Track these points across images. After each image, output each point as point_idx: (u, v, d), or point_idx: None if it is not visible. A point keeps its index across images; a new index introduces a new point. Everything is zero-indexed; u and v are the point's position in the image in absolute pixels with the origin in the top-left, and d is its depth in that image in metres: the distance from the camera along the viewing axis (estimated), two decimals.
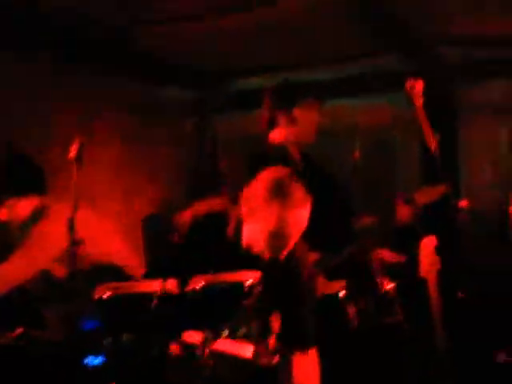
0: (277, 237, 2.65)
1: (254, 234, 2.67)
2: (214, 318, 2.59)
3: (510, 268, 4.65)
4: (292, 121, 3.70)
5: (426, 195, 3.59)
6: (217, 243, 3.14)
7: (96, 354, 2.77)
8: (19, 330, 3.12)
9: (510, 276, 4.72)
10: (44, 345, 3.05)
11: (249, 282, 2.61)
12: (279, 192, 2.73)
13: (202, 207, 3.88)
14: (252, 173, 3.67)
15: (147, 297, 2.61)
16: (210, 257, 3.02)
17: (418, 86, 3.27)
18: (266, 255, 2.67)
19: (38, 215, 3.57)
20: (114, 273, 3.69)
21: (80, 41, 4.77)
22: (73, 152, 3.06)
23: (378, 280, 4.11)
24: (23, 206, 3.58)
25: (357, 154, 4.51)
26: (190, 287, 2.66)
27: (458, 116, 5.74)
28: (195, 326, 2.62)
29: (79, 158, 3.10)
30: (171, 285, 2.68)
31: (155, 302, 2.59)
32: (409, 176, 5.59)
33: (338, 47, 5.33)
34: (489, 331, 4.46)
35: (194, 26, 4.66)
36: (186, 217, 3.87)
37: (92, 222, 3.72)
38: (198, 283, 2.65)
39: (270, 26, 4.70)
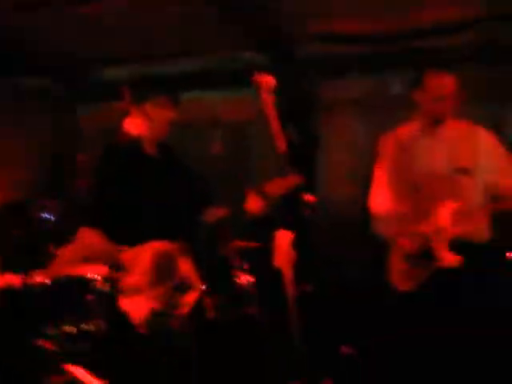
0: (159, 315, 2.70)
1: (135, 307, 2.71)
2: (59, 312, 2.54)
3: (367, 260, 4.79)
4: (145, 116, 3.67)
5: (277, 187, 3.64)
6: None
7: None
8: None
9: (367, 267, 4.86)
10: None
11: (92, 276, 2.58)
12: (166, 270, 2.77)
13: None
14: (107, 164, 3.64)
15: None
16: None
17: (267, 81, 3.28)
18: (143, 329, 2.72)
19: None
20: None
21: None
22: None
23: (235, 272, 4.15)
24: None
25: (217, 146, 4.54)
26: (35, 281, 2.59)
27: (316, 111, 5.86)
28: (41, 320, 2.56)
29: None
30: (12, 279, 2.60)
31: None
32: (269, 170, 5.65)
33: (201, 40, 5.33)
34: (339, 322, 4.60)
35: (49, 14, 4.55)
36: None
37: None
38: (44, 277, 2.58)
39: (130, 16, 4.64)
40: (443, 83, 3.85)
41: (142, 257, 3.11)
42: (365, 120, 5.74)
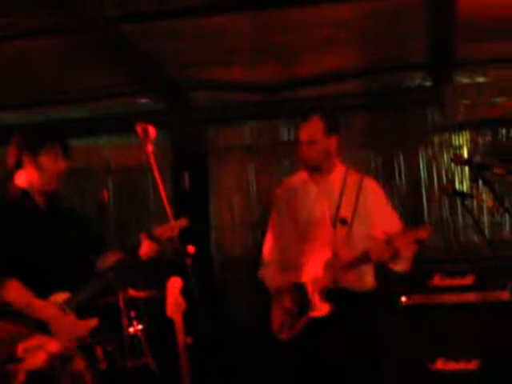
0: None
1: None
2: None
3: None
4: (37, 166, 3.59)
5: (166, 230, 3.65)
6: None
7: None
8: None
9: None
10: None
11: None
12: None
13: None
14: None
15: None
16: None
17: (149, 132, 3.27)
18: None
19: None
20: None
21: None
22: None
23: (125, 320, 4.09)
24: None
25: (105, 193, 4.50)
26: None
27: (208, 156, 5.91)
28: None
29: None
30: None
31: None
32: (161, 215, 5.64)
33: (94, 86, 5.31)
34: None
35: None
36: None
37: None
38: None
39: (22, 61, 4.58)
40: (309, 128, 3.90)
41: None
42: (256, 165, 5.82)
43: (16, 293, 3.37)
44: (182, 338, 3.71)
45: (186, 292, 3.62)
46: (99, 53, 4.58)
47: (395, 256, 3.68)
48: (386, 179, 5.59)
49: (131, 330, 4.17)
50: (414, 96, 5.62)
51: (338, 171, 3.98)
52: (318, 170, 3.95)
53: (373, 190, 3.98)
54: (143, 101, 5.67)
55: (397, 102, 5.65)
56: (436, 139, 5.69)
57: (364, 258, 3.72)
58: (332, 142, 3.93)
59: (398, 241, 3.63)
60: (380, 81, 5.49)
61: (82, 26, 4.15)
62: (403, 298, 4.65)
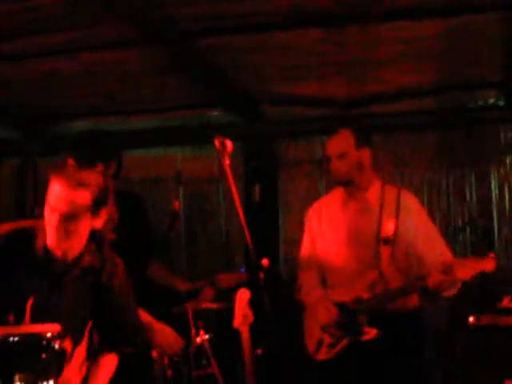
0: None
1: None
2: (9, 370, 2.50)
3: None
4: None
5: (227, 280, 3.71)
6: None
7: None
8: None
9: None
10: None
11: (49, 335, 2.56)
12: None
13: None
14: None
15: None
16: None
17: (226, 145, 3.31)
18: None
19: None
20: None
21: None
22: None
23: (193, 329, 4.15)
24: None
25: (177, 203, 4.56)
26: None
27: (279, 170, 5.95)
28: None
29: None
30: None
31: None
32: (234, 226, 5.73)
33: (168, 97, 5.41)
34: None
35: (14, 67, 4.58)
36: None
37: None
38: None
39: (96, 70, 4.70)
40: (339, 141, 3.83)
41: None
42: (326, 180, 5.82)
43: None
44: (247, 350, 3.74)
45: (254, 304, 3.66)
46: (175, 65, 4.67)
47: (453, 285, 3.59)
48: (456, 198, 5.54)
49: (198, 339, 4.21)
50: (486, 115, 5.56)
51: (376, 187, 3.89)
52: (352, 185, 3.86)
53: (412, 206, 3.88)
54: (216, 113, 5.75)
55: (469, 120, 5.59)
56: (508, 159, 5.62)
57: (419, 284, 3.61)
58: (364, 156, 3.83)
59: (460, 271, 3.48)
60: (453, 99, 5.45)
61: (160, 39, 4.25)
62: (471, 319, 4.58)
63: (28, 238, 2.89)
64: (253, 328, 3.68)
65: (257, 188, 5.42)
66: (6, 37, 4.11)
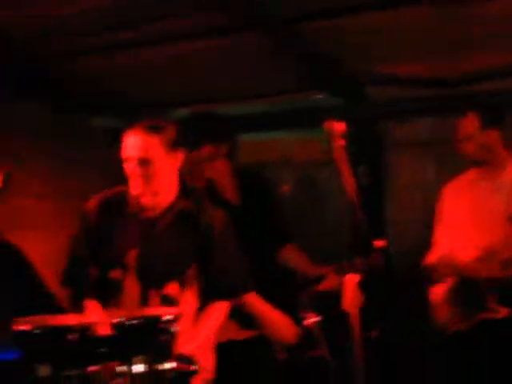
0: None
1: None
2: (128, 352, 2.60)
3: None
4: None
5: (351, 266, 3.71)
6: None
7: None
8: None
9: None
10: None
11: (167, 318, 2.64)
12: None
13: None
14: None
15: (65, 330, 2.59)
16: None
17: (338, 128, 3.31)
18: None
19: None
20: (41, 301, 3.66)
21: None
22: None
23: (303, 312, 4.17)
24: None
25: (286, 186, 4.60)
26: (110, 321, 2.66)
27: (385, 153, 5.89)
28: (112, 359, 2.62)
29: (5, 186, 3.08)
30: (92, 318, 2.68)
31: (74, 335, 2.58)
32: (337, 212, 5.70)
33: (272, 81, 5.43)
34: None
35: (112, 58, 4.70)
36: None
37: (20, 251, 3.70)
38: (118, 317, 2.65)
39: (199, 57, 4.76)
40: (465, 124, 3.88)
41: None
42: (433, 161, 5.73)
43: None
44: (357, 333, 3.74)
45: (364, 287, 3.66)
46: (279, 50, 4.68)
47: None
48: None
49: (308, 321, 4.22)
50: None
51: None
52: (484, 165, 3.89)
53: None
54: (321, 96, 5.73)
55: None
56: None
57: None
58: (491, 137, 3.86)
59: None
60: None
61: (263, 24, 4.28)
62: None
63: (123, 198, 3.18)
64: (364, 311, 3.68)
65: (362, 170, 5.37)
66: (97, 32, 4.23)
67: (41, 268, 3.95)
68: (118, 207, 3.20)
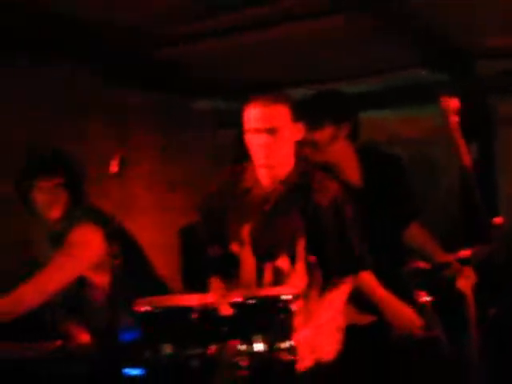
0: None
1: None
2: (250, 332, 2.61)
3: None
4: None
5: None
6: None
7: (135, 366, 2.81)
8: (56, 343, 3.16)
9: None
10: (82, 358, 3.07)
11: (286, 297, 2.63)
12: None
13: None
14: None
15: (187, 310, 2.63)
16: None
17: (452, 104, 3.23)
18: None
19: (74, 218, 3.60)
20: (153, 284, 3.73)
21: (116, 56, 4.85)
22: (114, 166, 3.08)
23: (415, 292, 4.10)
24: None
25: None
26: (230, 301, 2.68)
27: (494, 128, 5.73)
28: (233, 339, 2.64)
29: (120, 171, 3.13)
30: (211, 298, 2.70)
31: (195, 315, 2.62)
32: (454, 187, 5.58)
33: (377, 59, 5.36)
34: None
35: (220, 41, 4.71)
36: None
37: (129, 234, 3.77)
38: (237, 297, 2.67)
39: (308, 38, 4.74)
40: None
41: None
42: None
43: None
44: (472, 312, 3.67)
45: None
46: (383, 27, 4.61)
47: None
48: None
49: (422, 301, 4.16)
50: None
51: None
52: None
53: None
54: (425, 72, 5.62)
55: None
56: None
57: None
58: None
59: None
60: None
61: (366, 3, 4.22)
62: None
63: (238, 174, 3.25)
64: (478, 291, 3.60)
65: (474, 147, 5.24)
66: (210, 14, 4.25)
67: (150, 252, 4.02)
68: (234, 185, 3.25)
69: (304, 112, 3.44)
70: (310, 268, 3.07)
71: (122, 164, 3.15)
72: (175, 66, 5.29)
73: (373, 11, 4.33)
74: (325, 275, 3.10)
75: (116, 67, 5.01)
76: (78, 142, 4.92)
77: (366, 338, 3.50)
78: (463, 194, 3.89)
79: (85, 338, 3.40)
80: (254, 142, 3.07)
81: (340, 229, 3.13)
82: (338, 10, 4.29)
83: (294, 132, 3.11)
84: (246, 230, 3.10)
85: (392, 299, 3.56)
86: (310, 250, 3.06)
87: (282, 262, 3.03)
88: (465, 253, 3.70)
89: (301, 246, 3.04)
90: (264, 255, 3.06)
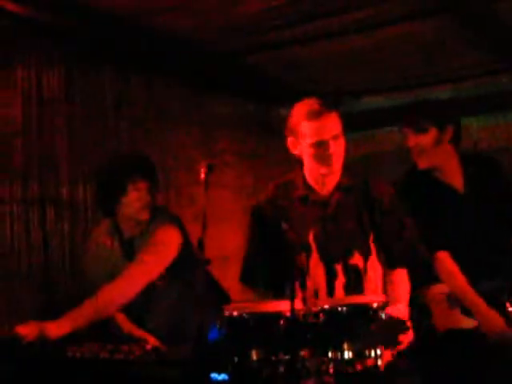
0: None
1: None
2: (338, 340, 2.63)
3: None
4: None
5: None
6: None
7: (221, 371, 2.84)
8: (149, 346, 3.22)
9: None
10: (171, 361, 3.11)
11: (375, 305, 2.64)
12: None
13: None
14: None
15: (275, 316, 2.66)
16: None
17: None
18: None
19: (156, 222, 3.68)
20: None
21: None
22: (202, 174, 3.14)
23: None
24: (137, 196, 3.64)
25: None
26: (316, 308, 2.70)
27: None
28: (319, 346, 2.66)
29: (207, 179, 3.19)
30: (299, 305, 2.73)
31: (283, 321, 2.64)
32: None
33: (455, 65, 5.31)
34: None
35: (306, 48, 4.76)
36: None
37: (218, 241, 3.83)
38: (324, 304, 2.69)
39: (385, 45, 4.75)
40: None
41: None
42: None
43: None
44: None
45: None
46: (467, 33, 4.57)
47: None
48: None
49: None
50: None
51: None
52: None
53: None
54: (506, 79, 5.54)
55: None
56: None
57: None
58: None
59: None
60: None
61: (453, 7, 4.19)
62: None
63: (292, 184, 3.36)
64: None
65: None
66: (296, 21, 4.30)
67: (233, 259, 4.06)
68: (288, 193, 3.35)
69: (409, 118, 3.72)
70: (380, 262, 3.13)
71: (209, 172, 3.21)
72: (262, 73, 5.34)
73: (460, 17, 4.30)
74: (388, 266, 3.23)
75: (204, 77, 5.09)
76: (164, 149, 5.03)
77: (469, 342, 3.51)
78: None
79: (153, 341, 3.45)
80: (319, 151, 3.15)
81: (398, 226, 3.26)
82: (425, 16, 4.28)
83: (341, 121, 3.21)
84: (311, 237, 3.16)
85: (482, 304, 3.55)
86: (378, 243, 3.15)
87: (356, 260, 3.09)
88: None
89: (371, 242, 3.11)
90: (334, 259, 3.12)
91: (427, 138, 3.70)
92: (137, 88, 4.87)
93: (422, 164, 3.75)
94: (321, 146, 3.15)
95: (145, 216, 3.66)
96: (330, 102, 3.21)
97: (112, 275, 3.51)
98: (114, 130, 4.72)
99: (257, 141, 5.86)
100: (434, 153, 3.72)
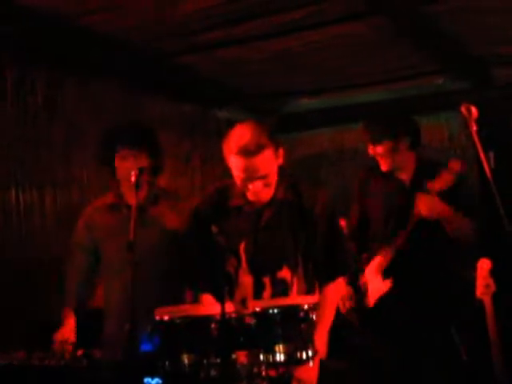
0: None
1: None
2: (269, 341, 2.63)
3: None
4: None
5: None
6: None
7: (153, 376, 2.83)
8: (80, 351, 3.19)
9: None
10: (103, 366, 3.09)
11: (306, 306, 2.65)
12: None
13: None
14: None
15: (206, 319, 2.65)
16: None
17: (472, 112, 3.26)
18: None
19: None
20: None
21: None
22: (133, 177, 3.14)
23: None
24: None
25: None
26: (248, 310, 2.70)
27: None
28: (251, 348, 2.66)
29: (138, 182, 3.18)
30: (230, 308, 2.72)
31: (214, 325, 2.64)
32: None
33: (391, 67, 5.36)
34: None
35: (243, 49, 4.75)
36: None
37: None
38: (256, 306, 2.69)
39: (320, 47, 4.76)
40: None
41: None
42: None
43: None
44: (491, 321, 3.66)
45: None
46: (401, 34, 4.61)
47: None
48: None
49: None
50: None
51: None
52: None
53: None
54: (442, 81, 5.62)
55: None
56: None
57: None
58: None
59: None
60: None
61: (386, 9, 4.22)
62: None
63: (226, 192, 3.34)
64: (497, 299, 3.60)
65: (491, 155, 5.23)
66: (236, 20, 4.27)
67: None
68: (226, 200, 3.34)
69: (367, 130, 4.12)
70: (307, 274, 3.17)
71: (140, 174, 3.21)
72: (198, 74, 5.32)
73: (393, 17, 4.35)
74: (318, 278, 3.24)
75: (140, 78, 5.05)
76: None
77: None
78: (483, 202, 3.92)
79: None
80: (246, 183, 3.16)
81: (329, 235, 3.26)
82: (358, 17, 4.31)
83: (274, 150, 3.16)
84: (242, 247, 3.19)
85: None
86: (306, 257, 3.18)
87: (284, 273, 3.10)
88: None
89: (299, 256, 3.14)
90: (263, 270, 3.16)
91: (383, 148, 4.08)
92: (72, 89, 4.80)
93: (383, 167, 4.16)
94: (248, 181, 3.14)
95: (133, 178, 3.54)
96: (268, 132, 3.16)
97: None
98: (47, 132, 4.65)
99: (192, 143, 5.83)
100: (392, 159, 4.11)
